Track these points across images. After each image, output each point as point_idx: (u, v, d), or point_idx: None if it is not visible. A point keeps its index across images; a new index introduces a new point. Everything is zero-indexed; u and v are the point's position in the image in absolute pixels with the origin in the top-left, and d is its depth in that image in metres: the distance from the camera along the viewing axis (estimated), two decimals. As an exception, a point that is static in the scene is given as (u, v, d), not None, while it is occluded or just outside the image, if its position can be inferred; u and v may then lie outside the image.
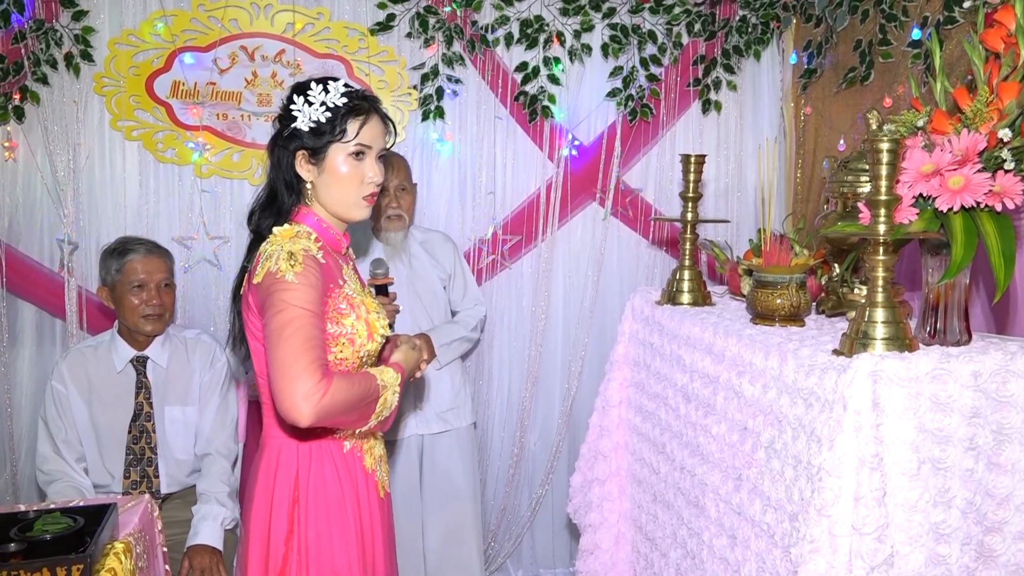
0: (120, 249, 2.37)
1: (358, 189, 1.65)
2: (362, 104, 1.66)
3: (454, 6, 2.87)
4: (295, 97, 1.63)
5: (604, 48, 2.99)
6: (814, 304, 1.88)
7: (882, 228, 1.37)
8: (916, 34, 2.40)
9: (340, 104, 1.63)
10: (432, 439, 2.71)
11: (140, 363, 2.40)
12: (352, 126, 1.63)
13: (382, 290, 2.34)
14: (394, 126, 1.73)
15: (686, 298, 2.06)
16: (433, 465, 2.71)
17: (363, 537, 1.68)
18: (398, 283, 2.64)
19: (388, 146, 1.70)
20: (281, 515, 1.62)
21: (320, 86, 1.63)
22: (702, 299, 2.06)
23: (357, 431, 1.63)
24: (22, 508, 1.76)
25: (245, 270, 1.68)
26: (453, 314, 2.80)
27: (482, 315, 2.82)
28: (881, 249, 1.39)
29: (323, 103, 1.62)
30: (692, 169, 2.05)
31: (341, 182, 1.64)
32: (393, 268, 2.63)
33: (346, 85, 1.66)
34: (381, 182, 1.68)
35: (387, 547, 1.78)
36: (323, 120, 1.62)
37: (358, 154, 1.64)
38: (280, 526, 1.62)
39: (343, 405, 1.47)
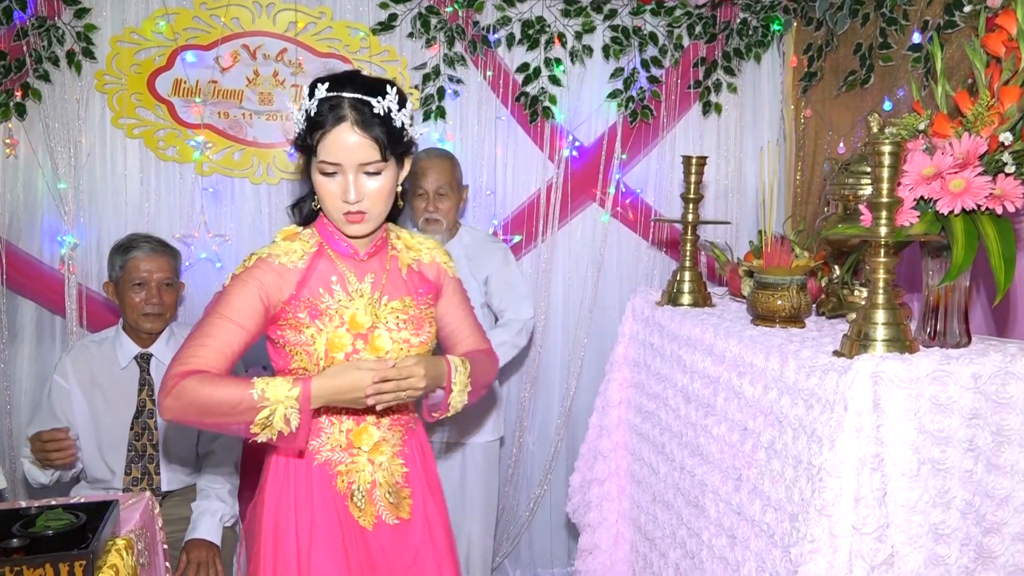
0: (125, 245, 2.39)
1: (336, 207, 1.53)
2: (323, 118, 1.48)
3: (456, 6, 2.88)
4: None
5: (605, 49, 2.99)
6: (814, 306, 1.89)
7: (883, 230, 1.38)
8: (916, 38, 2.41)
9: (312, 112, 1.49)
10: (442, 447, 2.68)
11: (144, 360, 2.40)
12: (320, 141, 1.49)
13: None
14: (382, 141, 1.49)
15: (687, 299, 2.06)
16: (443, 476, 2.66)
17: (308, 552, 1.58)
18: None
19: (373, 160, 1.50)
20: (257, 516, 1.66)
21: (312, 87, 1.50)
22: (703, 300, 2.07)
23: (330, 446, 1.61)
24: (23, 504, 1.76)
25: None
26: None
27: (523, 323, 2.61)
28: (882, 251, 1.40)
29: (304, 110, 1.51)
30: (693, 171, 2.06)
31: (322, 198, 1.54)
32: None
33: (334, 86, 1.50)
34: (358, 201, 1.51)
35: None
36: (302, 130, 1.51)
37: (328, 172, 1.51)
38: (256, 527, 1.65)
39: (192, 405, 1.45)
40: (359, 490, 1.61)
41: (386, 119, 1.50)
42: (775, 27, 3.01)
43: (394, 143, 1.52)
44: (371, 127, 1.48)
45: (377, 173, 1.52)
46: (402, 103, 1.54)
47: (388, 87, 1.52)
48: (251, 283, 1.53)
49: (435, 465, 1.82)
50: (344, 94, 1.49)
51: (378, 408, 1.55)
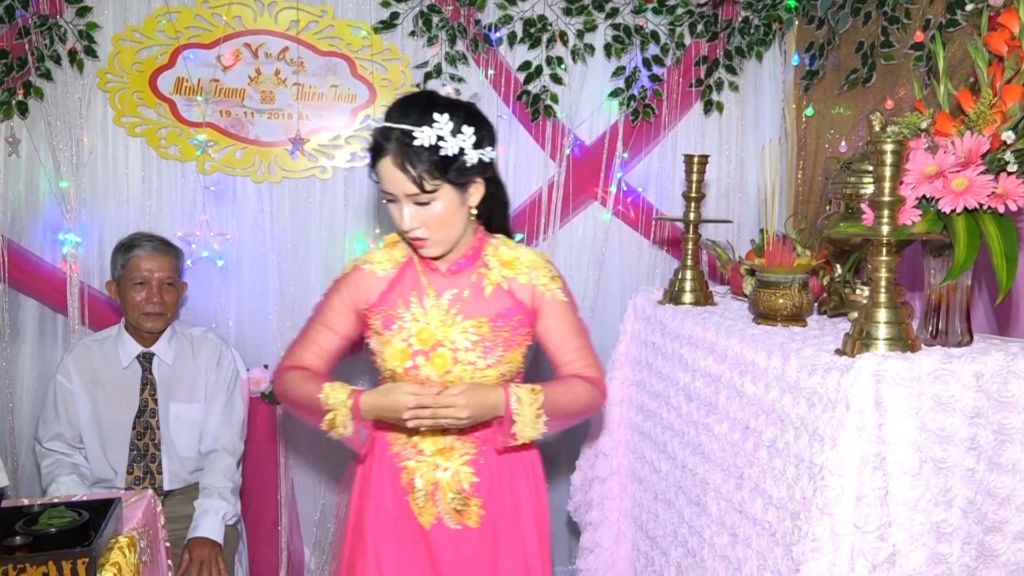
0: (127, 244, 2.39)
1: (402, 231, 1.58)
2: (376, 147, 1.53)
3: (457, 5, 2.88)
4: None
5: (607, 48, 2.99)
6: (816, 304, 1.89)
7: (886, 229, 1.38)
8: (918, 36, 2.40)
9: (371, 139, 1.55)
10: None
11: (146, 359, 2.41)
12: (376, 169, 1.54)
13: None
14: (418, 174, 1.49)
15: (688, 298, 2.07)
16: None
17: (377, 541, 1.67)
18: None
19: (414, 192, 1.50)
20: (348, 492, 1.80)
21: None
22: (704, 299, 2.07)
23: (402, 442, 1.69)
24: (25, 502, 1.76)
25: None
26: None
27: None
28: (884, 250, 1.40)
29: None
30: (695, 169, 2.06)
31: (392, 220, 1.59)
32: None
33: (389, 114, 1.52)
34: (414, 228, 1.54)
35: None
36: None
37: (388, 199, 1.56)
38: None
39: (285, 397, 1.68)
40: (419, 489, 1.67)
41: (432, 149, 1.49)
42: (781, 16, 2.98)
43: (443, 171, 1.50)
44: (410, 160, 1.49)
45: (427, 203, 1.52)
46: (458, 129, 1.50)
47: (439, 114, 1.49)
48: (342, 290, 1.68)
49: (536, 486, 1.77)
50: (393, 124, 1.50)
51: (421, 430, 1.61)
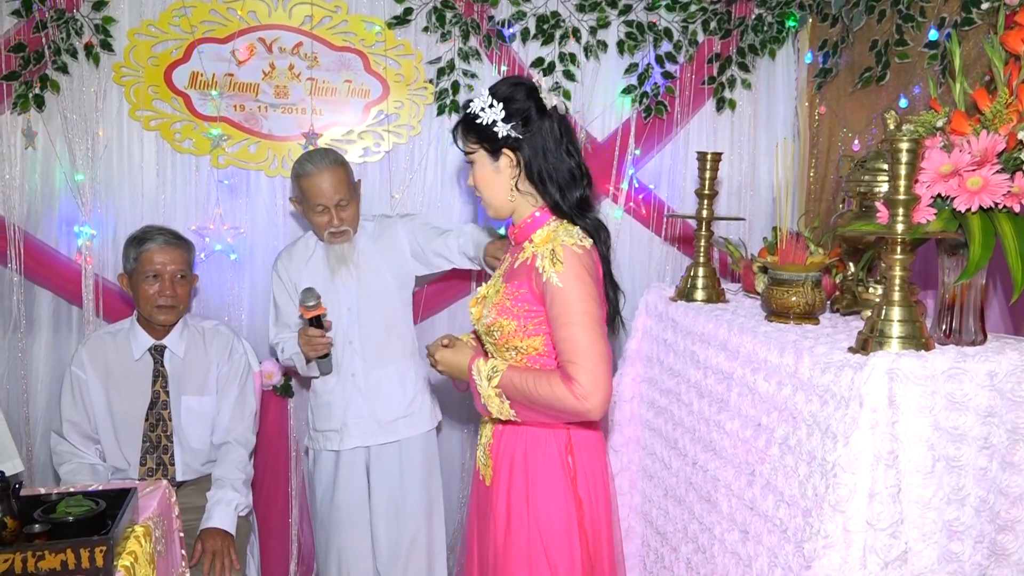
0: (140, 237, 2.40)
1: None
2: None
3: (471, 1, 2.88)
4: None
5: (620, 45, 2.99)
6: (829, 302, 1.90)
7: (900, 227, 1.39)
8: (933, 35, 2.40)
9: None
10: (379, 450, 2.53)
11: (158, 352, 2.42)
12: None
13: (315, 322, 2.27)
14: (461, 136, 1.75)
15: (700, 295, 2.07)
16: (381, 479, 2.53)
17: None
18: (349, 293, 2.49)
19: (463, 151, 1.75)
20: None
21: None
22: (716, 296, 2.08)
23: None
24: (42, 491, 1.78)
25: None
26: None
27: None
28: (899, 248, 1.41)
29: None
30: (708, 167, 2.06)
31: None
32: (343, 279, 2.49)
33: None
34: (471, 187, 1.76)
35: (475, 531, 1.85)
36: None
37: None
38: None
39: None
40: (482, 442, 1.82)
41: (474, 117, 1.69)
42: (790, 23, 3.01)
43: (476, 138, 1.70)
44: (459, 125, 1.74)
45: (471, 163, 1.74)
46: (491, 103, 1.68)
47: (489, 91, 1.70)
48: None
49: (565, 477, 1.67)
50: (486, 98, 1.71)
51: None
